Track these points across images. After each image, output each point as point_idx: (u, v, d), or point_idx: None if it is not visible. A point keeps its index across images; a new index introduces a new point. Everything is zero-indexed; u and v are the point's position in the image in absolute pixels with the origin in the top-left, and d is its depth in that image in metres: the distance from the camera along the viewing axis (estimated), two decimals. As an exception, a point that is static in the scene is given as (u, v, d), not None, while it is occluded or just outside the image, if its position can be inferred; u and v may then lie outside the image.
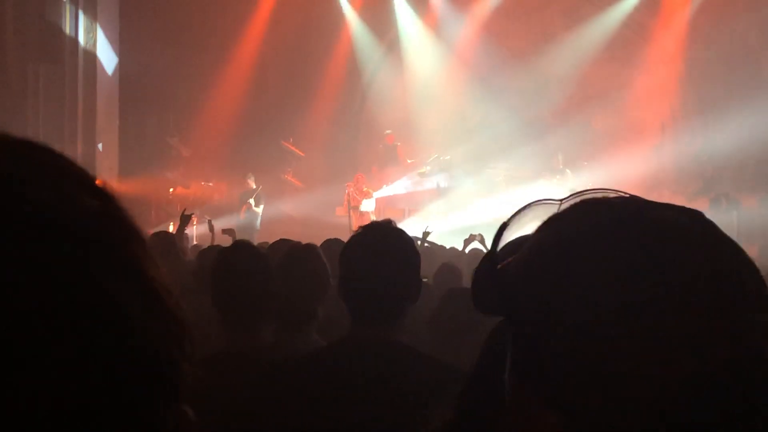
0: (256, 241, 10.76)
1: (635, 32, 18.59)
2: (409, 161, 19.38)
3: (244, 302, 3.60)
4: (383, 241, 2.94)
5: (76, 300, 0.65)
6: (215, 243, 11.48)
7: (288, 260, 4.10)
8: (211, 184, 18.65)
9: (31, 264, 0.64)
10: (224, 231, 11.76)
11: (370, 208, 18.17)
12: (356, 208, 17.96)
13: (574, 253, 0.88)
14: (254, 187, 17.86)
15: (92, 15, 17.12)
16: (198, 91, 18.89)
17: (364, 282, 2.88)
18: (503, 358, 0.93)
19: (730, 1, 17.15)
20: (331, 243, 6.58)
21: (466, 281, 6.51)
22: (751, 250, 13.85)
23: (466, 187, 18.75)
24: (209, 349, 3.60)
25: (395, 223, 3.11)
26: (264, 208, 17.83)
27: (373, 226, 3.10)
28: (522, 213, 1.01)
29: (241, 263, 3.68)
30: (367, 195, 18.21)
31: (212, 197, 18.61)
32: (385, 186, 19.17)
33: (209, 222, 12.30)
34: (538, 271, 0.89)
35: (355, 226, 16.98)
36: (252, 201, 17.69)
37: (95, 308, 0.66)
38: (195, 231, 15.23)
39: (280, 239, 6.04)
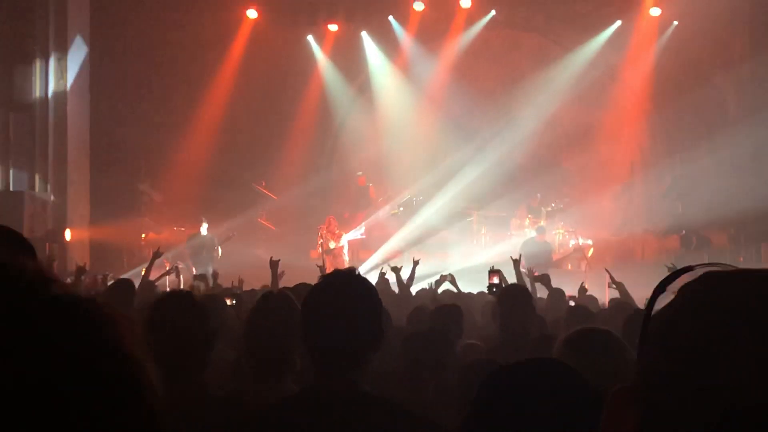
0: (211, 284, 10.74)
1: (603, 73, 18.84)
2: (380, 199, 19.45)
3: (182, 353, 3.52)
4: (345, 289, 2.93)
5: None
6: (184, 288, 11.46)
7: (260, 308, 4.09)
8: (183, 229, 18.57)
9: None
10: (196, 277, 11.73)
11: (344, 248, 18.16)
12: (329, 251, 17.93)
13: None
14: (204, 233, 17.81)
15: (62, 64, 17.13)
16: (169, 137, 18.87)
17: (325, 331, 2.88)
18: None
19: (695, 42, 17.39)
20: (302, 288, 6.58)
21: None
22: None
23: (440, 227, 18.83)
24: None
25: (358, 271, 3.12)
26: (238, 252, 17.78)
27: (336, 274, 3.10)
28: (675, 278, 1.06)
29: (175, 314, 3.61)
30: (339, 237, 18.20)
31: (184, 242, 18.50)
32: (357, 228, 19.19)
33: (176, 268, 12.27)
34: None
35: (329, 269, 16.98)
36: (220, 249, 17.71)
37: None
38: (167, 278, 15.12)
39: (264, 288, 6.04)
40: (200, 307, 3.71)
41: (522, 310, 5.82)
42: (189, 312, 3.59)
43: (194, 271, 14.61)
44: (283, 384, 3.89)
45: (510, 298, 6.02)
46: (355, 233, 19.04)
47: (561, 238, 18.38)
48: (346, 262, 18.01)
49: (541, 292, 8.62)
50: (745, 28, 17.29)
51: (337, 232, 18.11)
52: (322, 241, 17.87)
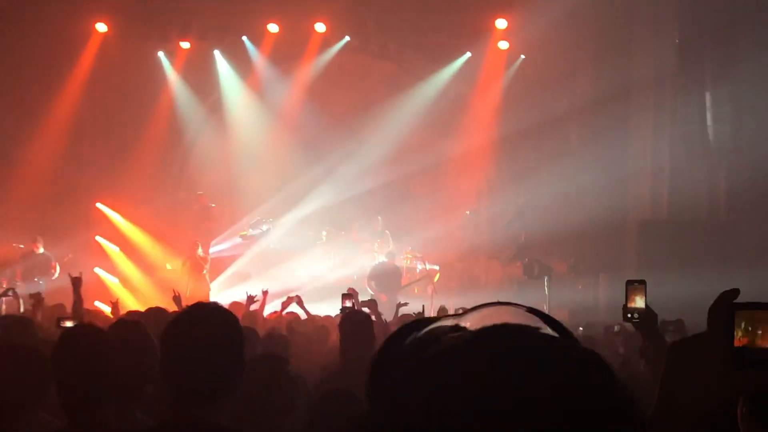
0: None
1: (453, 102, 19.30)
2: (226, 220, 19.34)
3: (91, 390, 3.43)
4: (205, 322, 2.90)
5: None
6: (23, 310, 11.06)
7: (111, 338, 3.99)
8: (21, 246, 17.87)
9: None
10: (31, 295, 11.37)
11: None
12: (198, 273, 17.64)
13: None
14: (41, 251, 17.33)
15: None
16: (8, 149, 18.14)
17: (184, 366, 2.83)
18: None
19: (540, 75, 18.03)
20: (155, 313, 6.45)
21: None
22: (561, 314, 14.50)
23: (290, 249, 18.82)
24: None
25: (220, 304, 3.09)
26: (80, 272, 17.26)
27: (197, 306, 3.06)
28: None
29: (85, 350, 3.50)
30: (206, 261, 17.94)
31: (22, 259, 17.80)
32: (211, 249, 19.00)
33: (13, 290, 11.84)
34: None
35: (194, 290, 16.71)
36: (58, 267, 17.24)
37: None
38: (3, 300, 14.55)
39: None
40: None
41: (363, 335, 5.92)
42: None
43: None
44: (136, 415, 3.81)
45: (351, 324, 6.11)
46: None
47: (409, 262, 18.65)
48: (208, 286, 17.80)
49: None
50: (588, 62, 18.03)
51: (202, 255, 17.84)
52: (190, 264, 17.56)
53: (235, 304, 11.48)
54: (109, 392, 3.47)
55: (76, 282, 8.06)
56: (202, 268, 17.70)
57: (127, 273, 18.93)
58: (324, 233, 19.16)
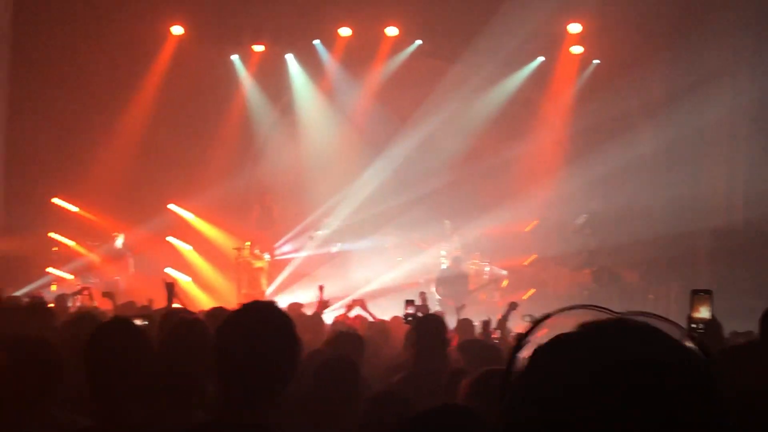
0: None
1: (523, 106, 19.12)
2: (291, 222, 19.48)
3: (116, 380, 3.45)
4: (261, 323, 2.91)
5: None
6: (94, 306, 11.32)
7: (172, 336, 4.05)
8: (97, 243, 18.27)
9: None
10: (104, 294, 11.62)
11: (263, 270, 18.09)
12: (249, 270, 17.79)
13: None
14: (120, 246, 17.78)
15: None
16: (85, 151, 18.56)
17: (238, 364, 2.85)
18: None
19: (614, 81, 17.77)
20: (218, 312, 6.53)
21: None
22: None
23: (358, 253, 18.88)
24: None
25: (276, 303, 3.10)
26: (151, 270, 17.63)
27: (253, 306, 3.07)
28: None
29: (115, 341, 3.55)
30: (260, 258, 18.09)
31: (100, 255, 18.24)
32: (276, 250, 19.15)
33: (87, 289, 12.09)
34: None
35: (247, 291, 16.87)
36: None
37: None
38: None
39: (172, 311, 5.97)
40: (139, 334, 3.64)
41: (436, 342, 5.87)
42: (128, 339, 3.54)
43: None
44: (194, 412, 3.86)
45: (425, 329, 6.06)
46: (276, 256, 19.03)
47: (476, 267, 18.55)
48: (264, 284, 17.91)
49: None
50: (664, 71, 17.75)
51: (256, 252, 17.99)
52: (241, 262, 17.70)
53: (293, 305, 11.56)
54: (157, 389, 3.52)
55: (170, 287, 8.29)
56: (249, 267, 17.77)
57: (200, 271, 19.19)
58: (390, 238, 19.14)
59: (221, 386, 2.90)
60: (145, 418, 3.74)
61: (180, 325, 4.18)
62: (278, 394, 2.87)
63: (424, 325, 6.16)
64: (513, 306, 10.02)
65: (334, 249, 19.13)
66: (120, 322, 3.89)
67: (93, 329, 3.70)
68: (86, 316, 6.34)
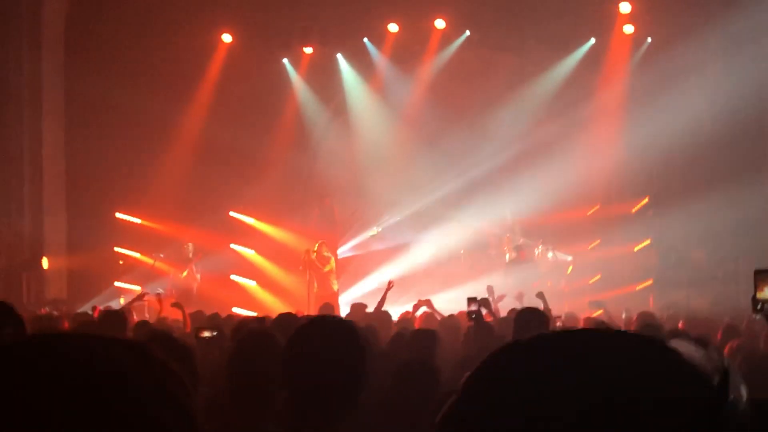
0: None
1: (578, 90, 18.86)
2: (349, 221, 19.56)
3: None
4: (331, 339, 2.92)
5: None
6: (163, 315, 11.46)
7: (244, 347, 4.08)
8: (162, 255, 18.52)
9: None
10: (173, 305, 11.75)
11: (332, 273, 18.17)
12: (318, 271, 17.82)
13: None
14: (191, 256, 18.01)
15: (37, 95, 17.10)
16: (146, 161, 18.84)
17: (308, 376, 2.86)
18: None
19: (668, 59, 17.48)
20: (285, 319, 6.57)
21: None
22: (702, 303, 14.07)
23: (419, 249, 18.88)
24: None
25: (342, 318, 3.11)
26: (217, 278, 17.89)
27: (323, 320, 3.08)
28: None
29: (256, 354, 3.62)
30: (329, 260, 18.13)
31: (162, 268, 18.48)
32: (339, 249, 19.27)
33: (158, 295, 12.24)
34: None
35: (317, 297, 16.92)
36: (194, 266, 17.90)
37: None
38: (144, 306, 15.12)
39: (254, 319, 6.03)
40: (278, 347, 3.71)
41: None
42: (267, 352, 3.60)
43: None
44: (265, 425, 3.87)
45: (525, 322, 6.06)
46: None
47: (539, 254, 18.38)
48: (334, 284, 17.96)
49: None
50: (718, 45, 17.41)
51: (325, 254, 18.02)
52: (309, 265, 17.75)
53: (357, 305, 11.59)
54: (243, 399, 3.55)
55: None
56: (319, 269, 17.79)
57: (266, 274, 19.33)
58: (452, 229, 19.06)
59: (293, 399, 2.91)
60: (216, 430, 3.77)
61: (250, 337, 4.20)
62: (349, 405, 2.88)
63: (525, 318, 6.21)
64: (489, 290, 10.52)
65: (395, 243, 19.15)
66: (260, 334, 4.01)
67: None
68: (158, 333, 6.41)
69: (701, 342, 1.03)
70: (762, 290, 4.04)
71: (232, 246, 19.44)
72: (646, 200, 18.62)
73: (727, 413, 0.91)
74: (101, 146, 18.32)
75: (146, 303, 14.09)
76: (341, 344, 2.91)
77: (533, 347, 0.99)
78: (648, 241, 18.35)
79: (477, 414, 0.95)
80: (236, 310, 15.57)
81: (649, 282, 17.02)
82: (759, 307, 4.02)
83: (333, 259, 18.24)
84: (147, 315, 13.77)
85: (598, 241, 18.68)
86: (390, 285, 11.58)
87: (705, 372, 0.94)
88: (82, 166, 18.57)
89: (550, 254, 18.39)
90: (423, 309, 10.44)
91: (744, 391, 0.97)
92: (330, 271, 18.00)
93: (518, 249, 17.69)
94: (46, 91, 17.96)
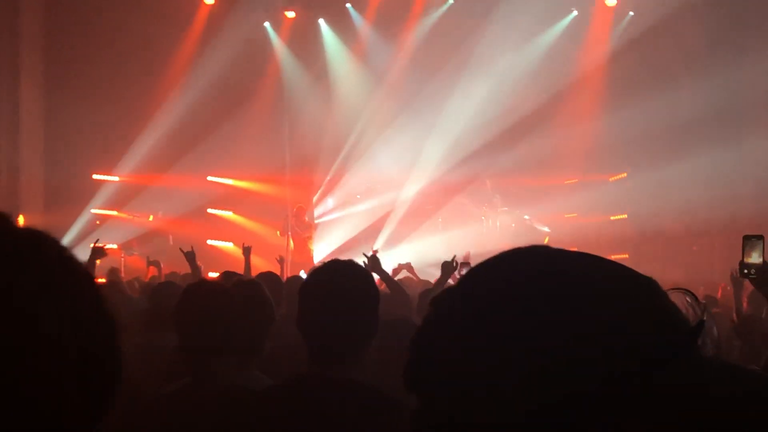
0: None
1: (559, 62, 18.88)
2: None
3: (210, 341, 3.51)
4: (342, 280, 2.95)
5: None
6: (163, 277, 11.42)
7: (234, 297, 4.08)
8: (151, 218, 18.54)
9: None
10: (150, 262, 11.76)
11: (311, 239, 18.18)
12: (298, 237, 17.79)
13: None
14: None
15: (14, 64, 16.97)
16: (124, 123, 18.67)
17: (321, 321, 2.88)
18: None
19: (650, 33, 17.53)
20: (267, 277, 6.58)
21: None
22: (677, 274, 14.19)
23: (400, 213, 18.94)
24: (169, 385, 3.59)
25: (355, 261, 3.12)
26: (192, 241, 17.82)
27: (333, 264, 3.09)
28: None
29: (205, 302, 3.60)
30: (310, 227, 18.14)
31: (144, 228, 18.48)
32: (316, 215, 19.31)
33: (157, 262, 12.08)
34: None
35: (294, 260, 16.91)
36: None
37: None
38: (123, 262, 15.08)
39: (227, 272, 6.03)
40: (228, 295, 3.72)
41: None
42: (218, 300, 3.62)
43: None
44: (250, 371, 3.89)
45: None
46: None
47: (517, 225, 18.43)
48: (312, 251, 17.98)
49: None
50: (701, 22, 17.47)
51: (306, 220, 18.03)
52: (290, 229, 17.71)
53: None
54: (230, 346, 3.56)
55: (190, 256, 8.30)
56: (299, 233, 17.77)
57: (245, 236, 19.25)
58: (431, 197, 19.12)
59: (308, 344, 2.92)
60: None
61: (239, 285, 4.21)
62: (361, 351, 2.91)
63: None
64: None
65: (374, 209, 19.18)
66: (206, 284, 3.99)
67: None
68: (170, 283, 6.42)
69: (690, 293, 1.11)
70: (750, 255, 4.11)
71: (210, 210, 19.42)
72: (624, 174, 18.73)
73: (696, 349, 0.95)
74: (78, 109, 18.11)
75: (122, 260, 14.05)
76: (356, 286, 2.93)
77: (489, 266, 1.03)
78: (624, 215, 18.50)
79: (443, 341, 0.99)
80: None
81: (625, 256, 17.14)
82: (746, 272, 4.10)
83: (312, 227, 18.29)
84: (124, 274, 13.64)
85: (575, 214, 18.81)
86: (375, 254, 11.56)
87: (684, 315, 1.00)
88: (59, 128, 18.38)
89: (526, 216, 18.41)
90: (403, 273, 10.48)
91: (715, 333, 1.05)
92: (309, 237, 18.01)
93: (495, 218, 17.82)
94: (26, 53, 17.81)
